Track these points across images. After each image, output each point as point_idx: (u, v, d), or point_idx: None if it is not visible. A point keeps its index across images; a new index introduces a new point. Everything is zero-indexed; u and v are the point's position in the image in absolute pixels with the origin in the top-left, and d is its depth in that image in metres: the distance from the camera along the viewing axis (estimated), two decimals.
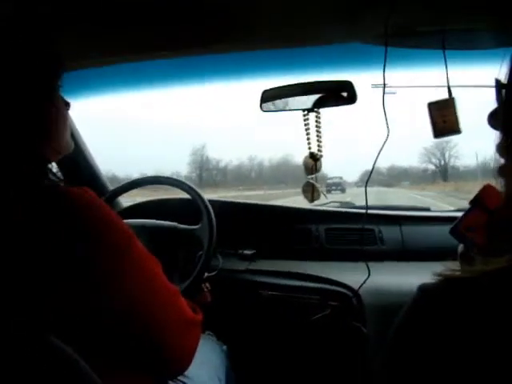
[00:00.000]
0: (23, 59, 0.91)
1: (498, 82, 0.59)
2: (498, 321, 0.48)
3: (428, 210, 2.25)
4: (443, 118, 1.30)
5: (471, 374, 0.47)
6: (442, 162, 49.87)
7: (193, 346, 1.06)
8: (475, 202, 0.96)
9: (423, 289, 0.56)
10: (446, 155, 49.07)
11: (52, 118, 0.96)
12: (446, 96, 1.32)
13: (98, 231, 0.84)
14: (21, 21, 0.97)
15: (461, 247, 0.98)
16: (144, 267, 0.92)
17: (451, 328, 0.50)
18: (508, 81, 0.56)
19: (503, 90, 0.58)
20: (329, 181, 30.08)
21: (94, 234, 0.83)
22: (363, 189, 1.52)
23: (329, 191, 26.82)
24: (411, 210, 2.21)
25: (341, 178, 31.92)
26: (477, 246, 0.93)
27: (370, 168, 1.43)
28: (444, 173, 48.88)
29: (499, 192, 0.62)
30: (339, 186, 29.40)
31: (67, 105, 1.07)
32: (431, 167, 51.98)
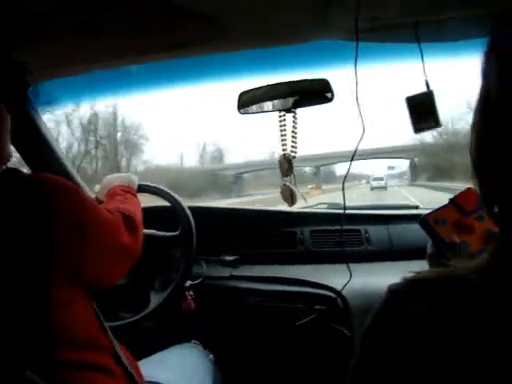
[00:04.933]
0: None
1: None
2: (453, 324, 0.48)
3: (417, 207, 2.22)
4: (422, 111, 1.27)
5: (430, 373, 0.47)
6: None
7: (122, 272, 1.20)
8: (453, 199, 0.99)
9: (391, 289, 0.57)
10: None
11: None
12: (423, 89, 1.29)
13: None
14: None
15: (429, 247, 0.99)
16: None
17: (410, 329, 0.51)
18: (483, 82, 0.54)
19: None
20: (373, 182, 31.97)
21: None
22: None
23: (372, 189, 29.05)
24: (400, 208, 2.18)
25: (382, 178, 33.50)
26: (442, 241, 0.95)
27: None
28: None
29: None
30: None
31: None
32: None
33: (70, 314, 0.94)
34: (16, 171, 0.95)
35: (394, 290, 0.57)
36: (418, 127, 1.28)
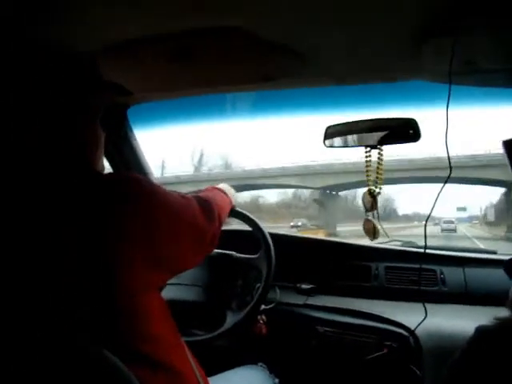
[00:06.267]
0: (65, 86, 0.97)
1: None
2: None
3: (494, 253, 2.16)
4: None
5: None
6: None
7: (197, 256, 1.16)
8: None
9: (480, 330, 0.57)
10: None
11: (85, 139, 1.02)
12: None
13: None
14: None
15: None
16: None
17: (502, 368, 0.50)
18: None
19: None
20: (443, 224, 32.41)
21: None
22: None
23: (442, 231, 29.31)
24: (476, 252, 2.14)
25: (452, 221, 34.64)
26: None
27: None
28: None
29: None
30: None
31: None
32: None
33: (147, 299, 0.94)
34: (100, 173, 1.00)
35: (483, 331, 0.57)
36: None
